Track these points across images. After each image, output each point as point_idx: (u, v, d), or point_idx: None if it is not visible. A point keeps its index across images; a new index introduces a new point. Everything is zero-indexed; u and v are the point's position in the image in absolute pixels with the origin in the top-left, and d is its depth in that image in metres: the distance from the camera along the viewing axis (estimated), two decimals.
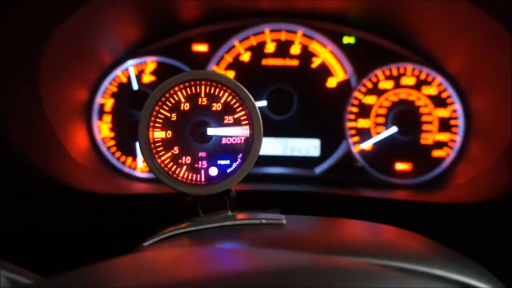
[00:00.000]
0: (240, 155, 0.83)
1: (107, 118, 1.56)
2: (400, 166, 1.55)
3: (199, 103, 0.83)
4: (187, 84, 0.82)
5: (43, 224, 1.31)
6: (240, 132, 0.83)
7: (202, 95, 0.83)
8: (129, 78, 1.56)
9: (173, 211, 1.00)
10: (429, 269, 0.61)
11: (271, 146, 1.57)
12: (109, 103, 1.56)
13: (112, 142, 1.56)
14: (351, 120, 1.56)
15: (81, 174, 1.40)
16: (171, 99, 0.82)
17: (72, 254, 1.30)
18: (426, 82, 1.54)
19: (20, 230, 1.28)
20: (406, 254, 0.66)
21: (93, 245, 1.31)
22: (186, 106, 0.83)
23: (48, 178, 1.28)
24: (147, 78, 1.56)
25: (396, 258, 0.62)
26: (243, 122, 0.83)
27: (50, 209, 1.31)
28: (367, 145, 1.55)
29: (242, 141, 0.83)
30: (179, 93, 0.82)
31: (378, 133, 1.55)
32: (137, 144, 1.51)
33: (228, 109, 0.83)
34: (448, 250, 0.73)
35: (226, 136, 0.83)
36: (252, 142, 0.82)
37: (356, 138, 1.56)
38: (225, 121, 0.83)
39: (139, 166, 1.55)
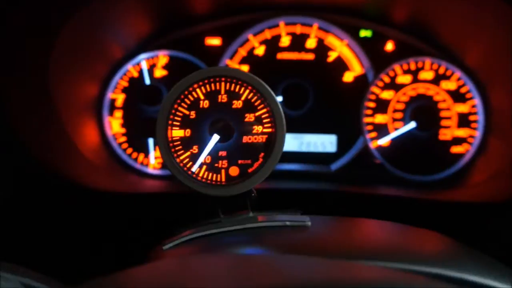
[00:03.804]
0: (262, 154, 0.81)
1: (118, 113, 1.54)
2: (418, 162, 1.52)
3: (219, 100, 0.80)
4: (206, 81, 0.79)
5: (54, 224, 1.29)
6: (261, 131, 0.81)
7: (222, 92, 0.80)
8: (140, 72, 1.53)
9: (189, 211, 0.98)
10: (457, 273, 0.60)
11: (286, 142, 1.52)
12: (120, 98, 1.53)
13: (123, 138, 1.54)
14: (368, 115, 1.53)
15: (91, 171, 1.38)
16: (190, 96, 0.80)
17: (86, 255, 1.29)
18: (445, 77, 1.51)
19: (30, 232, 1.26)
20: (432, 257, 0.64)
21: (107, 245, 1.30)
22: (205, 104, 0.80)
23: (57, 176, 1.27)
24: (159, 73, 1.54)
25: (424, 262, 0.61)
26: (264, 120, 0.81)
27: (60, 208, 1.29)
28: (384, 141, 1.52)
29: (264, 140, 0.81)
30: (198, 90, 0.80)
31: (396, 129, 1.52)
32: (149, 140, 1.50)
33: (249, 106, 0.81)
34: (476, 252, 0.71)
35: (247, 135, 0.81)
36: (274, 141, 0.80)
37: (373, 134, 1.53)
38: (246, 119, 0.81)
39: (151, 163, 1.53)
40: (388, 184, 1.48)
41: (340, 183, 1.47)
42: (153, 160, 1.53)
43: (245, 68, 1.54)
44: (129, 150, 1.54)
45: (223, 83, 0.80)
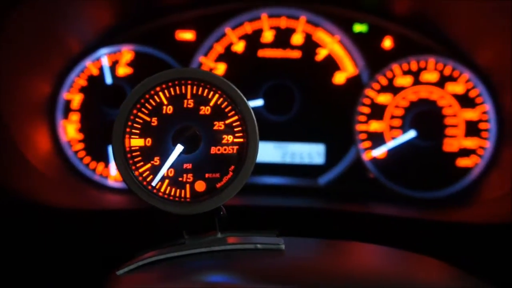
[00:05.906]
0: (232, 167, 0.82)
1: (75, 117, 1.55)
2: (419, 177, 1.55)
3: (184, 105, 0.82)
4: (170, 83, 0.81)
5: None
6: (232, 140, 0.83)
7: (188, 96, 0.82)
8: (101, 70, 1.55)
9: (152, 231, 0.99)
10: None
11: (268, 151, 1.57)
12: (76, 99, 1.55)
13: (80, 146, 1.55)
14: (361, 122, 1.56)
15: (41, 184, 1.38)
16: (151, 100, 0.82)
17: (32, 281, 1.29)
18: (451, 78, 1.54)
19: None
20: None
21: (56, 270, 1.30)
22: (169, 109, 0.82)
23: (1, 190, 1.27)
24: (123, 70, 1.56)
25: None
26: (235, 129, 0.83)
27: (2, 226, 1.29)
28: (380, 152, 1.55)
29: (235, 151, 0.83)
30: (160, 93, 0.82)
31: (393, 138, 1.55)
32: (110, 149, 1.51)
33: (218, 113, 0.83)
34: (479, 282, 0.72)
35: (215, 145, 0.83)
36: (246, 152, 0.81)
37: (367, 144, 1.56)
38: (215, 127, 0.83)
39: (112, 174, 1.55)
40: (384, 202, 1.50)
41: (329, 199, 1.49)
42: (114, 171, 1.54)
43: (222, 67, 1.56)
44: (87, 159, 1.55)
45: (189, 87, 0.82)
